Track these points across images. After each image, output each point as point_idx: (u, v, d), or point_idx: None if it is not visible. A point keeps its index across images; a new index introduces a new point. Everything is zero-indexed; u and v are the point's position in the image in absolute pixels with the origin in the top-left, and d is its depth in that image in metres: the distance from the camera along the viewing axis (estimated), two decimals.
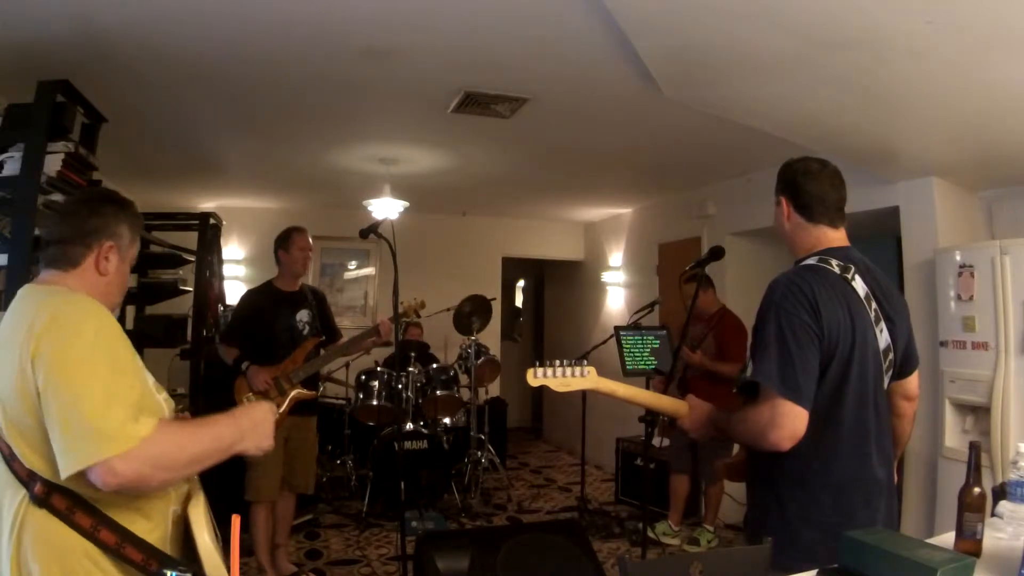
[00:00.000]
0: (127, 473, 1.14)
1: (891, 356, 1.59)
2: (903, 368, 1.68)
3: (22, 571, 1.18)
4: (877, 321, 1.57)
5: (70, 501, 1.19)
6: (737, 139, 3.77)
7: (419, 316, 3.78)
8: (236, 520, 1.20)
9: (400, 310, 3.27)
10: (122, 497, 1.22)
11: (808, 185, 1.63)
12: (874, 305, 1.57)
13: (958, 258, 3.06)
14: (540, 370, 1.56)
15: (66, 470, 1.13)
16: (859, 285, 1.57)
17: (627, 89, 3.06)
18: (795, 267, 1.62)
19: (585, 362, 1.58)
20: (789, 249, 1.71)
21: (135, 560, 1.20)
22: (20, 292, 1.35)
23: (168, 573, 1.20)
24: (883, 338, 1.57)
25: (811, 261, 1.59)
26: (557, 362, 1.57)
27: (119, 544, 1.20)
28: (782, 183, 1.68)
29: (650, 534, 4.05)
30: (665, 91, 2.91)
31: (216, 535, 1.29)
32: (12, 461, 1.20)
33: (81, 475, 1.13)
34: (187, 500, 1.32)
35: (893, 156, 3.30)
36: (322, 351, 3.47)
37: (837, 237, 1.65)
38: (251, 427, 1.36)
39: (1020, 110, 2.51)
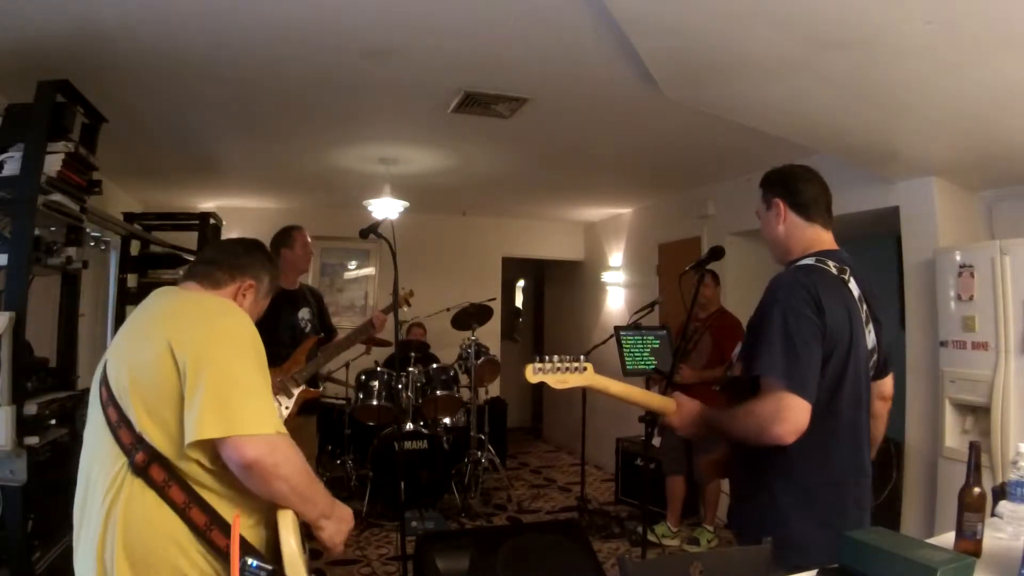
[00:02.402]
0: (259, 456, 1.19)
1: (875, 357, 1.67)
2: (882, 369, 1.76)
3: (106, 537, 1.21)
4: (867, 322, 1.63)
5: (168, 474, 1.22)
6: (737, 139, 3.77)
7: (408, 305, 3.81)
8: (236, 520, 1.20)
9: (390, 302, 3.34)
10: (222, 484, 1.25)
11: (804, 186, 1.69)
12: (865, 307, 1.63)
13: (958, 258, 3.06)
14: (538, 365, 1.56)
15: (201, 434, 1.17)
16: (853, 287, 1.62)
17: (627, 89, 3.06)
18: (795, 267, 1.64)
19: (583, 357, 1.58)
20: (778, 252, 1.75)
21: (219, 545, 1.22)
22: (159, 290, 1.48)
23: (250, 562, 1.20)
24: (870, 339, 1.65)
25: (808, 261, 1.63)
26: (556, 357, 1.57)
27: (207, 526, 1.21)
28: (777, 186, 1.72)
29: (649, 536, 4.05)
30: (665, 91, 2.91)
31: (303, 544, 1.30)
32: (119, 428, 1.24)
33: (205, 446, 1.19)
34: (277, 506, 1.32)
35: (893, 156, 3.30)
36: (320, 350, 3.47)
37: (828, 239, 1.70)
38: (338, 518, 1.38)
39: (1020, 110, 2.51)
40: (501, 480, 5.53)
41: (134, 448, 1.22)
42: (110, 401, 1.27)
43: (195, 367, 1.22)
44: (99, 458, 1.27)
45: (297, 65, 2.90)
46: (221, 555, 1.21)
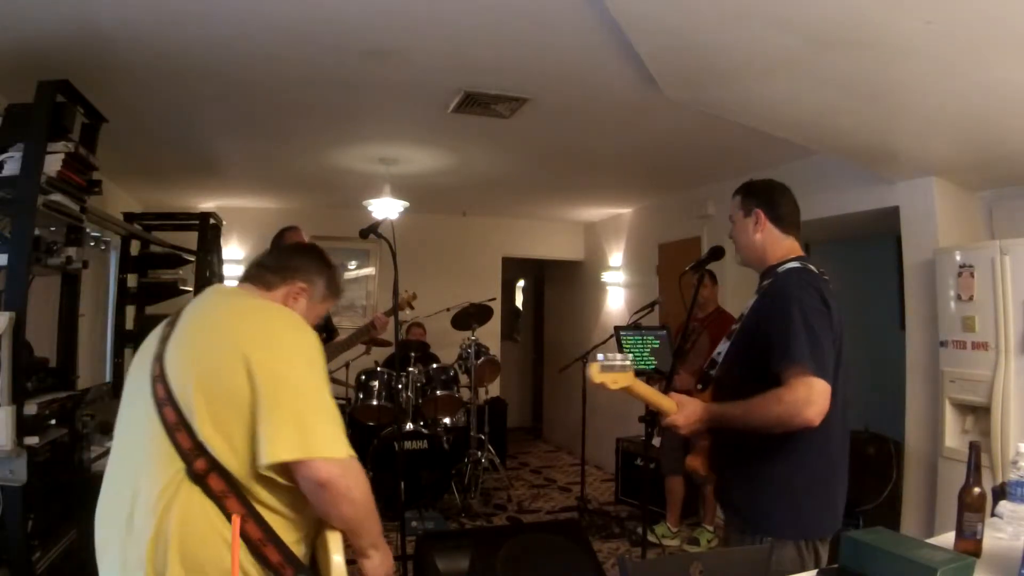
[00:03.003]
0: (334, 477, 1.19)
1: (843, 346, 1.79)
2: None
3: (158, 543, 1.17)
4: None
5: (227, 485, 1.19)
6: (737, 139, 3.76)
7: (412, 307, 3.81)
8: (236, 520, 1.20)
9: (397, 301, 3.32)
10: (280, 501, 1.24)
11: (784, 202, 1.87)
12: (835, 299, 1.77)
13: (958, 258, 3.06)
14: (605, 363, 1.60)
15: (280, 456, 1.16)
16: (830, 285, 1.79)
17: (627, 89, 3.06)
18: (794, 269, 1.77)
19: (625, 355, 1.65)
20: (751, 256, 1.90)
21: (272, 561, 1.21)
22: (217, 288, 1.49)
23: None
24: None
25: (794, 265, 1.78)
26: (617, 356, 1.63)
27: (262, 541, 1.20)
28: (758, 197, 1.88)
29: (649, 536, 4.05)
30: (665, 91, 2.91)
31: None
32: (177, 431, 1.20)
33: (277, 465, 1.18)
34: (324, 525, 1.32)
35: (893, 156, 3.30)
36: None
37: (799, 247, 1.88)
38: (386, 552, 1.37)
39: (1020, 110, 2.51)
40: (501, 480, 5.53)
41: (193, 454, 1.19)
42: (168, 401, 1.23)
43: (272, 385, 1.20)
44: (149, 459, 1.22)
45: (297, 65, 2.90)
46: (271, 569, 1.21)
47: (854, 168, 3.73)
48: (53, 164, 2.44)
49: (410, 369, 4.90)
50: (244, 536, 1.19)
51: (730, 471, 1.80)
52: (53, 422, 2.41)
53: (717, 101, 3.00)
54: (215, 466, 1.19)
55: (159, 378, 1.26)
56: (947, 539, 1.45)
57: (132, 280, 4.33)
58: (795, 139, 3.34)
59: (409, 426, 4.71)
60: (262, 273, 1.47)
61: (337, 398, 5.44)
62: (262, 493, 1.22)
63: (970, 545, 1.38)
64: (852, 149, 3.39)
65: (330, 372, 5.63)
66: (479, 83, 3.12)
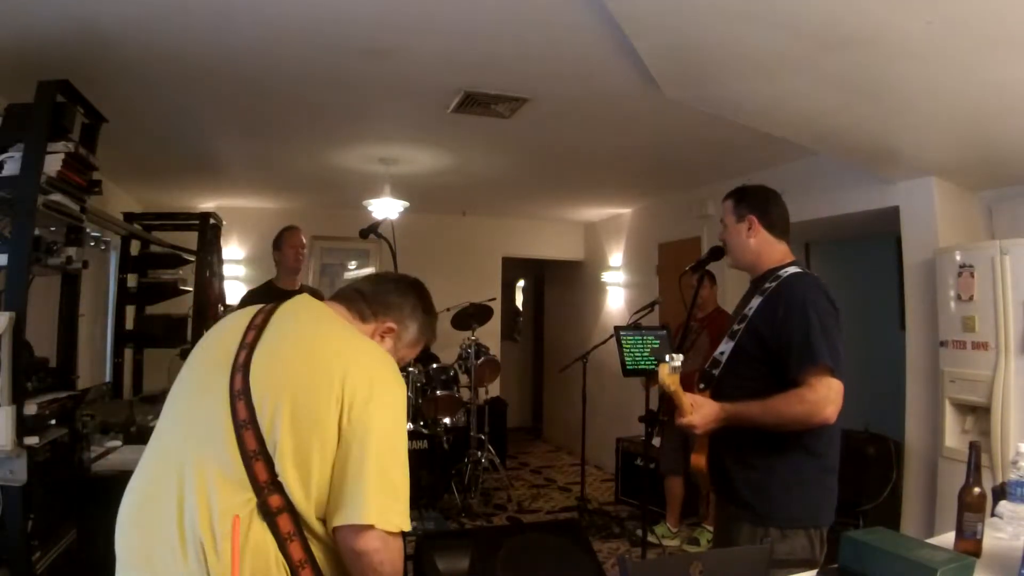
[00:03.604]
0: (374, 549, 1.15)
1: None
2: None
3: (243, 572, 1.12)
4: None
5: (295, 528, 1.15)
6: (737, 139, 3.76)
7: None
8: (236, 520, 1.19)
9: None
10: (333, 554, 1.21)
11: (776, 208, 1.93)
12: None
13: (958, 258, 3.06)
14: (675, 364, 1.70)
15: (360, 518, 1.13)
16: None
17: (627, 89, 3.06)
18: (800, 273, 1.84)
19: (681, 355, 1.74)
20: (744, 260, 1.95)
21: None
22: (315, 305, 1.38)
23: None
24: None
25: (798, 269, 1.85)
26: (679, 356, 1.72)
27: None
28: (750, 204, 1.92)
29: (649, 537, 4.05)
30: (665, 91, 2.91)
31: None
32: (255, 459, 1.14)
33: (342, 526, 1.14)
34: None
35: (893, 156, 3.30)
36: None
37: (790, 251, 1.93)
38: None
39: (1020, 110, 2.51)
40: (501, 480, 5.53)
41: (268, 488, 1.13)
42: (250, 424, 1.14)
43: (364, 440, 1.16)
44: (221, 480, 1.14)
45: (297, 65, 2.90)
46: None
47: (854, 168, 3.73)
48: (53, 164, 2.44)
49: (410, 369, 4.89)
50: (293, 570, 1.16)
51: (736, 467, 1.82)
52: (53, 422, 2.41)
53: (717, 101, 3.00)
54: (288, 506, 1.14)
55: (241, 394, 1.17)
56: (947, 539, 1.45)
57: (132, 280, 4.33)
58: (795, 139, 3.34)
59: (409, 426, 4.70)
60: (357, 300, 1.40)
61: None
62: (320, 544, 1.19)
63: (970, 545, 1.38)
64: (852, 149, 3.39)
65: None
66: (479, 83, 3.12)
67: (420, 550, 2.95)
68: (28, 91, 2.42)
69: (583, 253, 7.42)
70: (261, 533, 1.13)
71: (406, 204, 4.98)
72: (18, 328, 2.21)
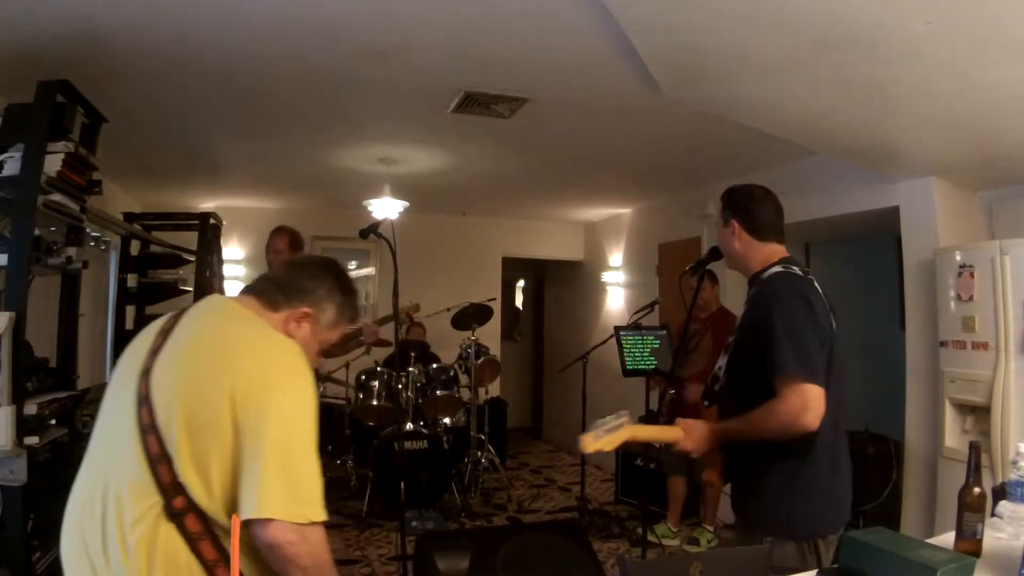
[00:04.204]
0: (283, 544, 1.14)
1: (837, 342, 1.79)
2: None
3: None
4: (832, 311, 1.80)
5: (203, 528, 1.16)
6: (737, 139, 3.76)
7: (412, 320, 3.68)
8: (236, 520, 1.19)
9: (394, 311, 3.28)
10: (249, 549, 1.20)
11: (761, 211, 1.86)
12: (823, 298, 1.80)
13: (958, 258, 3.06)
14: (592, 435, 1.72)
15: (257, 512, 1.12)
16: (816, 283, 1.81)
17: (627, 89, 3.06)
18: (775, 274, 1.80)
19: (622, 413, 1.78)
20: (735, 263, 1.93)
21: None
22: (221, 303, 1.37)
23: None
24: (834, 325, 1.80)
25: (778, 269, 1.80)
26: (601, 423, 1.75)
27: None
28: (731, 209, 1.89)
29: (649, 536, 4.05)
30: (665, 91, 2.91)
31: None
32: (159, 464, 1.15)
33: (246, 521, 1.13)
34: None
35: (893, 156, 3.30)
36: None
37: (781, 249, 1.88)
38: None
39: (1020, 110, 2.51)
40: (501, 480, 5.53)
41: (172, 490, 1.15)
42: (152, 429, 1.17)
43: (258, 434, 1.15)
44: (130, 484, 1.16)
45: (297, 65, 2.90)
46: None
47: (854, 168, 3.73)
48: (53, 164, 2.44)
49: (410, 369, 4.89)
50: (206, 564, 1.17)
51: (737, 477, 1.85)
52: (53, 422, 2.41)
53: (717, 101, 3.00)
54: (193, 506, 1.15)
55: (145, 400, 1.20)
56: (947, 539, 1.45)
57: (132, 280, 4.32)
58: (795, 139, 3.34)
59: (409, 426, 4.71)
60: (271, 289, 1.38)
61: (337, 398, 5.41)
62: (242, 543, 1.18)
63: (970, 545, 1.38)
64: (852, 149, 3.39)
65: (330, 372, 5.61)
66: (479, 83, 3.12)
67: (420, 550, 2.95)
68: (28, 91, 2.42)
69: (583, 253, 7.42)
70: (170, 535, 1.15)
71: (406, 204, 4.99)
72: (18, 328, 2.21)
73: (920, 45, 2.13)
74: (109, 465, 1.21)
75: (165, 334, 1.29)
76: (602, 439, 1.70)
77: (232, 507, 1.17)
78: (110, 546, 1.15)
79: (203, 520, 1.16)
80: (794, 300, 1.70)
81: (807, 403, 1.58)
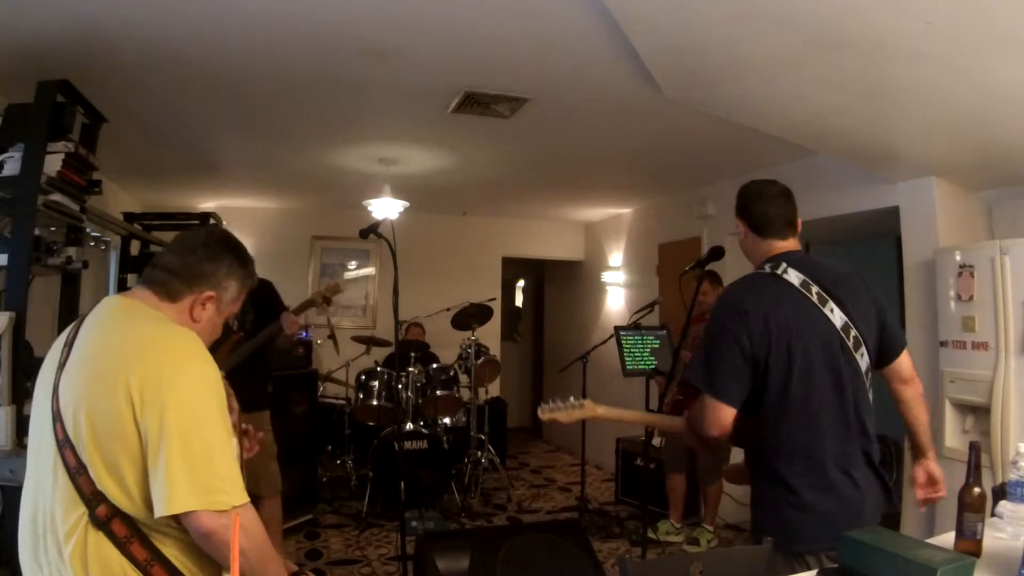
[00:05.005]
0: (218, 528, 1.15)
1: (853, 332, 1.68)
2: (885, 353, 1.80)
3: None
4: (824, 303, 1.68)
5: (130, 530, 1.18)
6: (737, 139, 3.77)
7: (328, 303, 3.59)
8: (236, 520, 1.20)
9: (309, 297, 3.25)
10: (185, 543, 1.21)
11: (757, 207, 1.83)
12: (815, 289, 1.69)
13: (958, 258, 3.06)
14: (547, 406, 2.01)
15: (173, 508, 1.13)
16: (792, 276, 1.70)
17: (627, 89, 3.06)
18: (731, 283, 1.84)
19: (582, 397, 2.03)
20: (748, 258, 1.91)
21: None
22: (114, 304, 1.33)
23: None
24: (836, 317, 1.68)
25: (752, 272, 1.81)
26: (558, 399, 2.03)
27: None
28: (737, 207, 1.88)
29: (652, 535, 4.04)
30: (665, 91, 2.91)
31: None
32: (79, 476, 1.17)
33: (174, 516, 1.14)
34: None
35: (893, 156, 3.30)
36: (238, 348, 3.21)
37: (785, 245, 1.81)
38: None
39: (1020, 110, 2.51)
40: (501, 480, 5.53)
41: (95, 500, 1.16)
42: (67, 443, 1.18)
43: (159, 430, 1.15)
44: (58, 499, 1.19)
45: (297, 65, 2.91)
46: None
47: (854, 168, 3.73)
48: (53, 164, 2.44)
49: (410, 369, 4.89)
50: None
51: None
52: None
53: (717, 101, 3.00)
54: (116, 512, 1.17)
55: (57, 416, 1.21)
56: (947, 539, 1.45)
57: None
58: (795, 139, 3.34)
59: (409, 426, 4.71)
60: (167, 281, 1.35)
61: (337, 398, 5.39)
62: (171, 532, 1.20)
63: (970, 545, 1.38)
64: (852, 149, 3.39)
65: (330, 372, 5.60)
66: (479, 83, 3.12)
67: (420, 550, 2.95)
68: (28, 91, 2.42)
69: (583, 253, 7.43)
70: (100, 543, 1.17)
71: (406, 204, 4.99)
72: (18, 328, 2.21)
73: (920, 45, 2.13)
74: (39, 485, 1.24)
75: (68, 346, 1.28)
76: (557, 412, 1.96)
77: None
78: (52, 564, 1.19)
79: (128, 523, 1.18)
80: (723, 313, 1.71)
81: (705, 413, 1.65)
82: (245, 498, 1.20)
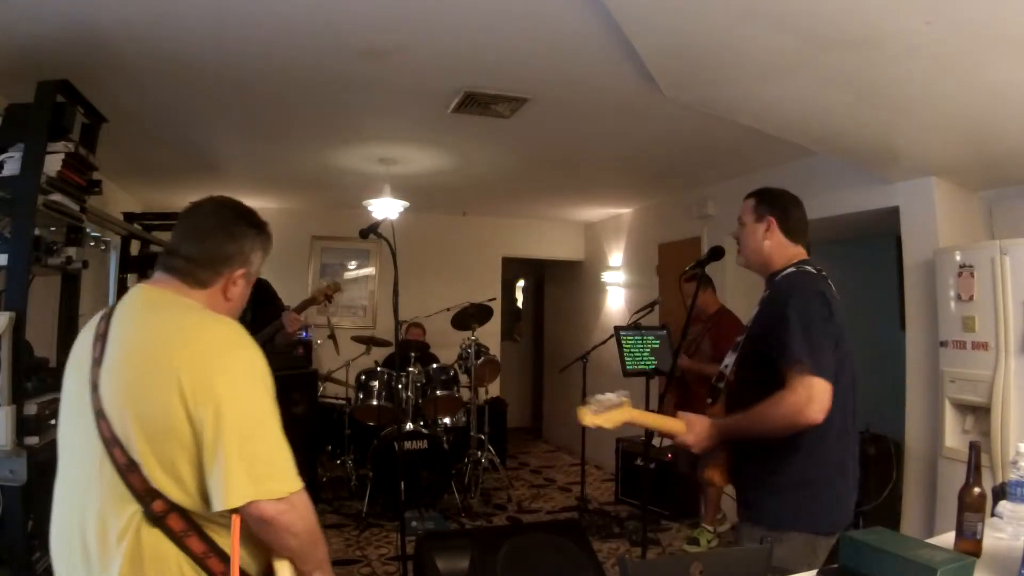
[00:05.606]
0: (278, 513, 1.15)
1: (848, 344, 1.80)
2: None
3: None
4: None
5: (187, 524, 1.17)
6: (737, 139, 3.77)
7: (329, 301, 3.59)
8: (236, 520, 1.20)
9: (310, 295, 3.23)
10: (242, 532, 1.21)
11: (796, 212, 1.91)
12: (836, 298, 1.82)
13: (958, 258, 3.06)
14: (592, 407, 1.68)
15: (232, 502, 1.12)
16: (831, 284, 1.84)
17: (627, 89, 3.06)
18: (792, 273, 1.83)
19: (622, 392, 1.73)
20: (755, 260, 1.93)
21: None
22: (146, 295, 1.30)
23: None
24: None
25: (792, 270, 1.84)
26: (601, 397, 1.70)
27: (223, 574, 1.19)
28: (773, 206, 1.91)
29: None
30: (665, 91, 2.91)
31: None
32: (129, 473, 1.15)
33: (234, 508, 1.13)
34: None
35: (893, 156, 3.30)
36: None
37: (804, 253, 1.92)
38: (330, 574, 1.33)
39: (1020, 110, 2.51)
40: (501, 480, 5.53)
41: (149, 496, 1.14)
42: (115, 442, 1.16)
43: (215, 424, 1.14)
44: (107, 498, 1.17)
45: (297, 65, 2.91)
46: None
47: (854, 168, 3.73)
48: (53, 164, 2.44)
49: (410, 369, 4.89)
50: (207, 571, 1.18)
51: (743, 469, 1.84)
52: (53, 422, 2.41)
53: (717, 101, 3.00)
54: (173, 507, 1.16)
55: (101, 415, 1.18)
56: (947, 539, 1.45)
57: (132, 280, 4.33)
58: (795, 139, 3.34)
59: (409, 426, 4.70)
60: (193, 269, 1.31)
61: (337, 398, 5.41)
62: (221, 527, 1.20)
63: (970, 545, 1.38)
64: (852, 149, 3.39)
65: (330, 372, 5.60)
66: (479, 83, 3.12)
67: (420, 550, 2.95)
68: (28, 91, 2.42)
69: (583, 253, 7.43)
70: (155, 539, 1.15)
71: (406, 204, 4.99)
72: (18, 328, 2.21)
73: (921, 45, 2.13)
74: (77, 485, 1.21)
75: (102, 340, 1.25)
76: (601, 415, 1.67)
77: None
78: (96, 564, 1.16)
79: (184, 517, 1.17)
80: (811, 294, 1.73)
81: (813, 395, 1.59)
82: (299, 483, 1.20)
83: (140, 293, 1.32)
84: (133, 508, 1.15)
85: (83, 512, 1.19)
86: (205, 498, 1.17)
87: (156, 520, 1.15)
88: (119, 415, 1.17)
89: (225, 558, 1.19)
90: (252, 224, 1.42)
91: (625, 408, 1.70)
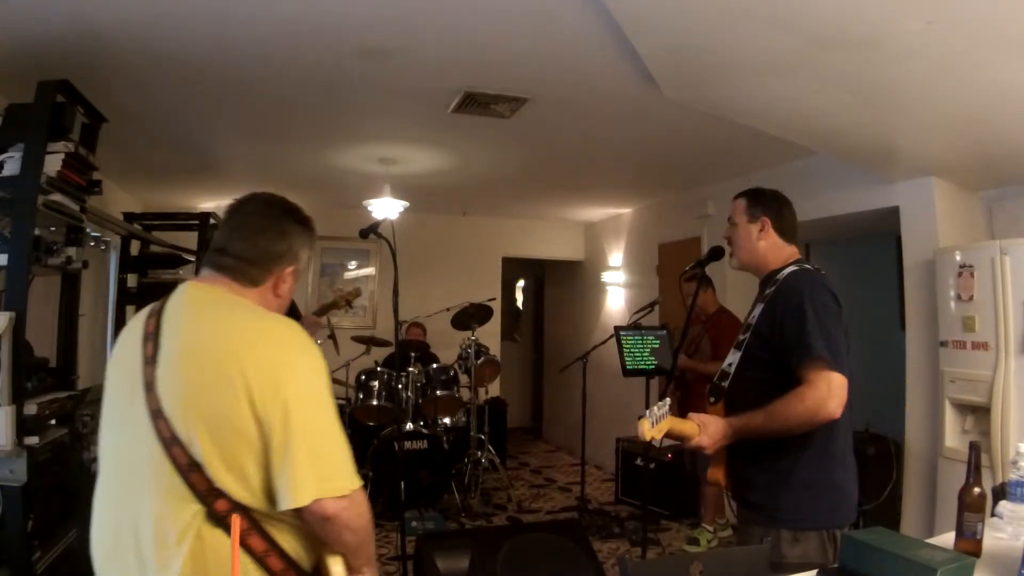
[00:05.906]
0: (340, 510, 1.17)
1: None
2: None
3: None
4: None
5: (249, 523, 1.17)
6: (737, 139, 3.77)
7: (350, 306, 3.64)
8: (236, 520, 1.19)
9: (330, 299, 3.24)
10: (296, 530, 1.22)
11: (788, 212, 1.95)
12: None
13: (958, 258, 3.06)
14: (653, 418, 1.61)
15: (300, 500, 1.13)
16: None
17: (627, 89, 3.06)
18: (800, 270, 1.84)
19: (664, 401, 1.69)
20: (749, 259, 1.95)
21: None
22: (200, 294, 1.29)
23: None
24: None
25: (794, 268, 1.85)
26: (658, 408, 1.64)
27: (283, 572, 1.20)
28: (764, 206, 1.93)
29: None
30: (665, 91, 2.91)
31: None
32: (190, 472, 1.14)
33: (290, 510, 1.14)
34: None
35: (893, 156, 3.30)
36: None
37: (797, 252, 1.95)
38: (375, 571, 1.34)
39: (1020, 110, 2.51)
40: (501, 480, 5.53)
41: (212, 496, 1.14)
42: (175, 441, 1.14)
43: (283, 425, 1.15)
44: (165, 499, 1.15)
45: (297, 65, 2.90)
46: None
47: (854, 168, 3.73)
48: (53, 164, 2.44)
49: (410, 369, 4.89)
50: (267, 570, 1.18)
51: (748, 469, 1.81)
52: (53, 422, 2.41)
53: (717, 101, 3.00)
54: (235, 505, 1.15)
55: (158, 414, 1.16)
56: (947, 539, 1.45)
57: (132, 280, 4.33)
58: (795, 139, 3.34)
59: (409, 426, 4.71)
60: (244, 268, 1.31)
61: (337, 398, 5.41)
62: (283, 525, 1.21)
63: (970, 545, 1.38)
64: (852, 149, 3.39)
65: (329, 372, 5.65)
66: (479, 83, 3.12)
67: (420, 550, 2.95)
68: (28, 91, 2.42)
69: (583, 253, 7.43)
70: (217, 538, 1.15)
71: (406, 204, 4.99)
72: (18, 328, 2.21)
73: (921, 45, 2.13)
74: (136, 489, 1.19)
75: (153, 338, 1.23)
76: (657, 426, 1.63)
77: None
78: (149, 565, 1.14)
79: (247, 516, 1.17)
80: (822, 291, 1.75)
81: (833, 389, 1.60)
82: (359, 481, 1.22)
83: (192, 291, 1.30)
84: (194, 508, 1.14)
85: (136, 514, 1.17)
86: (268, 496, 1.17)
87: (218, 519, 1.14)
88: (182, 414, 1.16)
89: (283, 555, 1.20)
90: (299, 221, 1.44)
91: (668, 417, 1.68)
